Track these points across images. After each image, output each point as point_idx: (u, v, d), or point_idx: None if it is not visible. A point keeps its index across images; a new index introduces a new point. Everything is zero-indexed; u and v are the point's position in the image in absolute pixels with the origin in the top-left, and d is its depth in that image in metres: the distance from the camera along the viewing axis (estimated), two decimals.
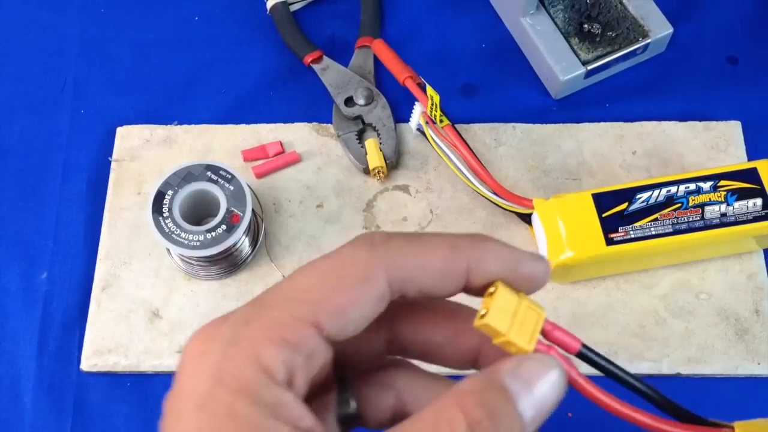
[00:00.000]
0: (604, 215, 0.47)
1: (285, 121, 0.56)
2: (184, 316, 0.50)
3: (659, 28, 0.56)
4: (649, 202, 0.48)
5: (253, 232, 0.51)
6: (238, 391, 0.21)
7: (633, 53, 0.56)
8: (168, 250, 0.51)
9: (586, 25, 0.56)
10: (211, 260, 0.49)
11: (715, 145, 0.54)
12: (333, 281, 0.23)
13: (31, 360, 0.50)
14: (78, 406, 0.49)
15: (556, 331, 0.27)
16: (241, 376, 0.21)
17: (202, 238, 0.47)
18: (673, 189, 0.48)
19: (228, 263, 0.50)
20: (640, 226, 0.47)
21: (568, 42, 0.56)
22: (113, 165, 0.55)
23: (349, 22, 0.60)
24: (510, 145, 0.55)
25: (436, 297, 0.25)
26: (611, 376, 0.27)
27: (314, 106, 0.57)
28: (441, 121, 0.51)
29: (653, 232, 0.47)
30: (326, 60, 0.58)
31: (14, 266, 0.53)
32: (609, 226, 0.47)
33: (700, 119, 0.55)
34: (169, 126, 0.56)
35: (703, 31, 0.59)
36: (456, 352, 0.27)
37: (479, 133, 0.55)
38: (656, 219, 0.47)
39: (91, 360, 0.49)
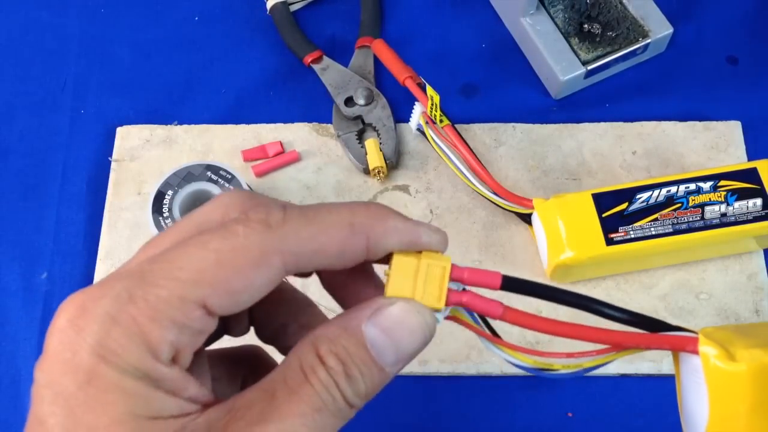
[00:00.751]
0: (604, 215, 0.48)
1: (285, 121, 0.56)
2: None
3: (659, 28, 0.56)
4: (649, 202, 0.48)
5: None
6: (124, 369, 0.22)
7: (633, 53, 0.56)
8: None
9: (586, 25, 0.56)
10: None
11: (715, 145, 0.54)
12: (226, 264, 0.23)
13: (31, 360, 0.50)
14: None
15: (471, 274, 0.26)
16: (126, 355, 0.22)
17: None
18: (673, 189, 0.48)
19: None
20: (640, 226, 0.47)
21: (568, 42, 0.56)
22: (113, 165, 0.55)
23: (349, 22, 0.60)
24: (510, 145, 0.55)
25: (336, 270, 0.25)
26: (545, 296, 0.26)
27: (314, 106, 0.57)
28: (441, 121, 0.51)
29: (653, 232, 0.47)
30: (326, 60, 0.58)
31: (14, 266, 0.53)
32: (609, 226, 0.47)
33: (700, 119, 0.55)
34: (169, 126, 0.56)
35: (703, 31, 0.59)
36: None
37: (479, 133, 0.55)
38: (656, 219, 0.47)
39: None
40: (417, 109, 0.53)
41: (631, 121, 0.55)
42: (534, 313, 0.26)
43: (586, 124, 0.55)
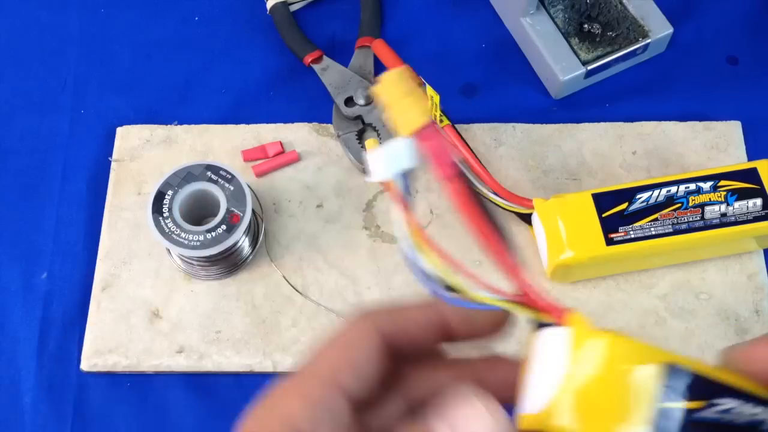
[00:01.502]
0: (604, 215, 0.47)
1: (285, 121, 0.56)
2: (184, 316, 0.50)
3: (659, 28, 0.56)
4: (649, 202, 0.48)
5: (253, 232, 0.51)
6: None
7: (633, 53, 0.56)
8: (168, 250, 0.51)
9: (586, 25, 0.56)
10: (211, 260, 0.49)
11: (715, 145, 0.54)
12: (342, 347, 0.27)
13: (31, 360, 0.50)
14: (78, 406, 0.49)
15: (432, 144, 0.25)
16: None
17: (202, 238, 0.47)
18: (673, 189, 0.48)
19: (228, 263, 0.50)
20: (640, 226, 0.47)
21: (568, 42, 0.56)
22: (113, 165, 0.55)
23: (349, 22, 0.60)
24: (510, 145, 0.55)
25: (424, 345, 0.28)
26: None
27: (314, 106, 0.57)
28: (441, 121, 0.51)
29: (653, 233, 0.47)
30: (326, 60, 0.58)
31: (14, 266, 0.53)
32: (609, 226, 0.47)
33: (700, 119, 0.55)
34: (169, 126, 0.56)
35: (703, 31, 0.59)
36: None
37: (479, 133, 0.55)
38: (656, 219, 0.47)
39: (91, 360, 0.49)
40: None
41: (631, 121, 0.55)
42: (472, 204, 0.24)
43: (586, 124, 0.55)
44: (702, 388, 0.24)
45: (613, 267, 0.50)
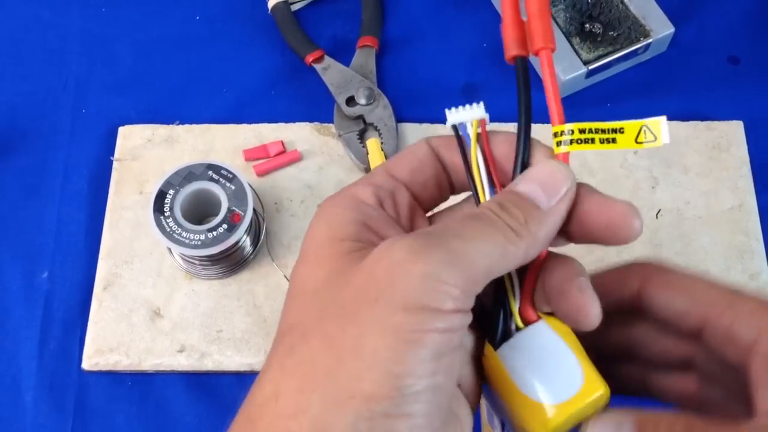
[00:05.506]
0: None
1: (286, 121, 0.56)
2: (185, 315, 0.50)
3: (660, 28, 0.56)
4: None
5: (255, 232, 0.51)
6: (337, 212, 0.29)
7: (634, 53, 0.56)
8: (169, 249, 0.51)
9: (587, 25, 0.56)
10: (212, 259, 0.49)
11: (716, 144, 0.54)
12: (400, 156, 0.32)
13: (33, 359, 0.50)
14: (79, 404, 0.49)
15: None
16: (340, 203, 0.30)
17: (203, 237, 0.47)
18: None
19: (229, 262, 0.50)
20: None
21: (570, 42, 0.56)
22: (115, 164, 0.55)
23: (350, 21, 0.60)
24: None
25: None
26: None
27: (316, 105, 0.57)
28: None
29: None
30: (327, 59, 0.58)
31: (16, 265, 0.53)
32: None
33: (702, 119, 0.55)
34: (170, 125, 0.56)
35: (704, 31, 0.59)
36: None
37: None
38: None
39: (92, 359, 0.49)
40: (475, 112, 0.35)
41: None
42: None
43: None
44: None
45: None
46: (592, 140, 0.29)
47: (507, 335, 0.29)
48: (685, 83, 0.57)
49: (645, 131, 0.29)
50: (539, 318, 0.29)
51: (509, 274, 0.29)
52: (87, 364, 0.49)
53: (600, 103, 0.57)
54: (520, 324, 0.29)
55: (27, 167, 0.56)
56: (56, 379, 0.50)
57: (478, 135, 0.30)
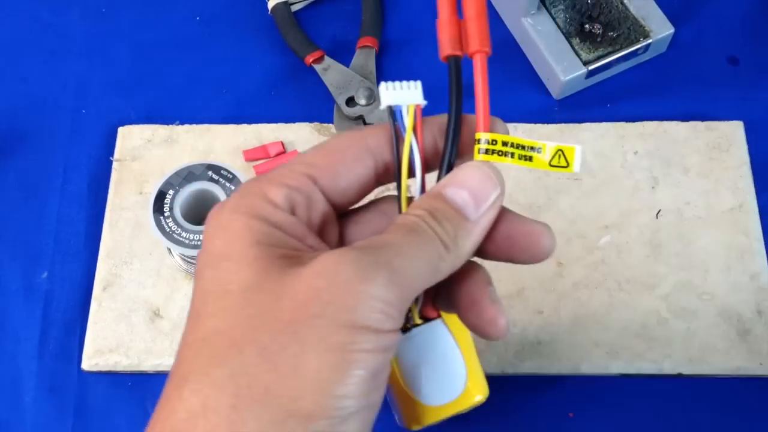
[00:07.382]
0: None
1: (286, 121, 0.56)
2: (185, 316, 0.49)
3: (660, 29, 0.56)
4: None
5: None
6: (251, 215, 0.28)
7: (634, 53, 0.56)
8: (169, 249, 0.51)
9: (587, 26, 0.56)
10: None
11: (717, 145, 0.54)
12: (324, 150, 0.30)
13: (32, 359, 0.50)
14: (79, 405, 0.49)
15: None
16: (252, 206, 0.28)
17: (203, 237, 0.47)
18: None
19: None
20: None
21: (569, 42, 0.56)
22: (114, 165, 0.55)
23: (350, 22, 0.60)
24: None
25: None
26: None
27: (315, 106, 0.57)
28: None
29: None
30: (327, 60, 0.58)
31: (15, 265, 0.53)
32: None
33: (702, 119, 0.55)
34: (170, 126, 0.56)
35: (704, 31, 0.59)
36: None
37: None
38: None
39: (92, 359, 0.49)
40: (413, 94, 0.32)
41: (633, 121, 0.55)
42: None
43: (588, 124, 0.55)
44: None
45: None
46: (512, 154, 0.29)
47: (405, 329, 0.29)
48: (685, 83, 0.57)
49: (560, 156, 0.29)
50: (439, 316, 0.29)
51: None
52: (87, 364, 0.49)
53: (600, 103, 0.57)
54: (418, 320, 0.29)
55: (27, 167, 0.56)
56: (56, 379, 0.50)
57: (414, 126, 0.30)
